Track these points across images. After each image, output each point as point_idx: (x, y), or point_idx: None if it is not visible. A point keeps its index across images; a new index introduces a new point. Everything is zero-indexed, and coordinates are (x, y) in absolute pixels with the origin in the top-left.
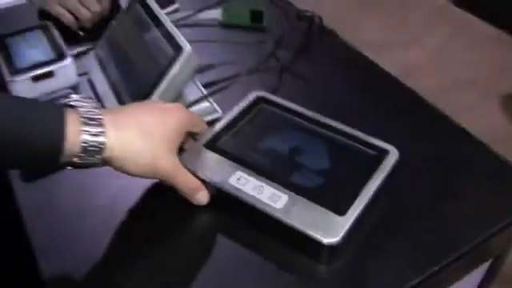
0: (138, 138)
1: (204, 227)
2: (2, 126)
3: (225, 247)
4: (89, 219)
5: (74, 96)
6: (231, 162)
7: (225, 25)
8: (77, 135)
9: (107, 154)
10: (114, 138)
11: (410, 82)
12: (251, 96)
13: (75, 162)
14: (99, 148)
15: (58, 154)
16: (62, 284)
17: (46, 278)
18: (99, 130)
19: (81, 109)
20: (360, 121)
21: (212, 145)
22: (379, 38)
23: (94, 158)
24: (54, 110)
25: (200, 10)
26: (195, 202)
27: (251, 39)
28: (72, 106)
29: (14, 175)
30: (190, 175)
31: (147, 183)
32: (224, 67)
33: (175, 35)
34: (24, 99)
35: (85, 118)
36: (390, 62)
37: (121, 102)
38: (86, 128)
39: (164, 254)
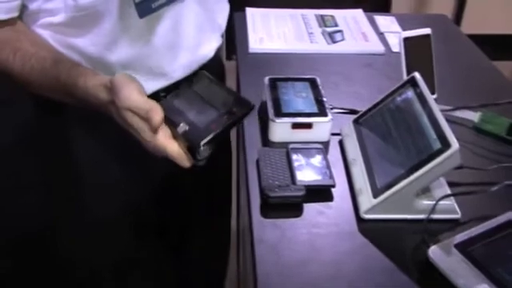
0: None
1: None
2: None
3: None
4: (314, 268)
5: None
6: (479, 273)
7: (478, 129)
8: None
9: None
10: None
11: None
12: (508, 215)
13: None
14: None
15: None
16: None
17: None
18: None
19: None
20: None
21: (463, 248)
22: None
23: None
24: None
25: (458, 108)
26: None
27: (503, 150)
28: None
29: (254, 210)
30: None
31: None
32: (471, 171)
33: (444, 128)
34: None
35: None
36: None
37: (370, 174)
38: None
39: None
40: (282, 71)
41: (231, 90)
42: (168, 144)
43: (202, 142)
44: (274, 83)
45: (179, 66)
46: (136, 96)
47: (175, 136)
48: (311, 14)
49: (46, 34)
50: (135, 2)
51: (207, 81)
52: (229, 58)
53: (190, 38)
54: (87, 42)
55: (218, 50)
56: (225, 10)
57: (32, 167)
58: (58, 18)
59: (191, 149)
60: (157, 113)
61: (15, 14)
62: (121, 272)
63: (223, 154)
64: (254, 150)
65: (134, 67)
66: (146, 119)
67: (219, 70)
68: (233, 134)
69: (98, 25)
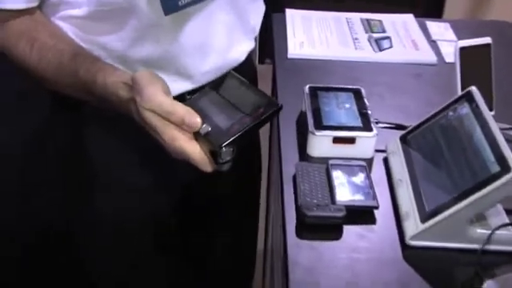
0: None
1: None
2: None
3: None
4: None
5: None
6: None
7: None
8: None
9: None
10: None
11: None
12: None
13: None
14: None
15: None
16: None
17: None
18: None
19: None
20: None
21: None
22: None
23: None
24: None
25: None
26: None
27: None
28: None
29: (290, 229)
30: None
31: None
32: None
33: (503, 149)
34: None
35: None
36: None
37: (418, 196)
38: None
39: None
40: (323, 79)
41: (259, 90)
42: (189, 146)
43: (224, 144)
44: (314, 92)
45: (207, 69)
46: (161, 97)
47: (197, 138)
48: (356, 17)
49: (66, 27)
50: None
51: (235, 81)
52: (261, 61)
53: (219, 40)
54: (111, 38)
55: (250, 54)
56: (259, 10)
57: (46, 164)
58: (80, 12)
59: (213, 151)
60: (192, 115)
61: (35, 4)
62: (138, 280)
63: (251, 160)
64: (291, 164)
65: (160, 66)
66: (169, 120)
67: (251, 76)
68: (264, 142)
69: (122, 21)
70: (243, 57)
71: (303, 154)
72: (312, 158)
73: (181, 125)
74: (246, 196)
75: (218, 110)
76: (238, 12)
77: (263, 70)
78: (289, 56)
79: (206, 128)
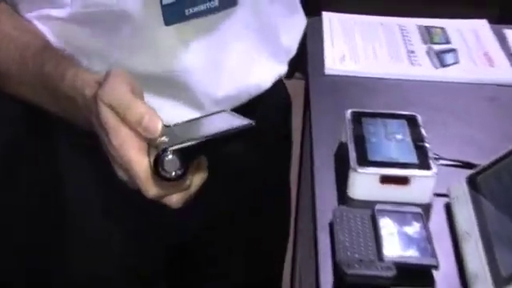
0: None
1: None
2: None
3: None
4: None
5: None
6: None
7: None
8: None
9: None
10: None
11: None
12: None
13: None
14: None
15: None
16: None
17: None
18: None
19: None
20: None
21: None
22: None
23: None
24: None
25: None
26: None
27: None
28: None
29: None
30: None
31: None
32: None
33: None
34: None
35: None
36: None
37: (491, 255)
38: None
39: None
40: (368, 103)
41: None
42: (137, 158)
43: (171, 148)
44: (358, 119)
45: (220, 97)
46: (123, 90)
47: (149, 154)
48: (412, 24)
49: (44, 29)
50: (162, 4)
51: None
52: (290, 75)
53: (234, 61)
54: (98, 46)
55: (281, 81)
56: (296, 27)
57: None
58: (63, 12)
59: (156, 160)
60: (153, 117)
61: None
62: None
63: (277, 203)
64: (327, 208)
65: (161, 90)
66: (125, 119)
67: (282, 107)
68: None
69: (112, 27)
70: (267, 84)
71: (343, 197)
72: (354, 201)
73: (137, 126)
74: (269, 251)
75: (185, 128)
76: (263, 28)
77: (292, 87)
78: (326, 72)
79: (164, 141)
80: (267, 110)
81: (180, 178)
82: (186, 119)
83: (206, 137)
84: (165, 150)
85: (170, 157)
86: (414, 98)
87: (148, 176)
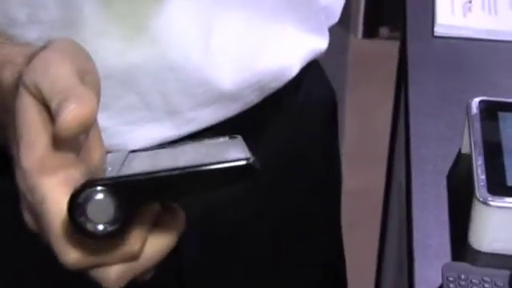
0: None
1: None
2: None
3: None
4: None
5: None
6: None
7: None
8: None
9: None
10: None
11: None
12: None
13: None
14: None
15: None
16: None
17: None
18: None
19: None
20: None
21: None
22: None
23: None
24: None
25: None
26: None
27: None
28: None
29: None
30: None
31: None
32: None
33: None
34: None
35: None
36: None
37: None
38: None
39: None
40: (510, 85)
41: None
42: (55, 193)
43: (103, 182)
44: (491, 113)
45: (203, 100)
46: (64, 72)
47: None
48: None
49: None
50: None
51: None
52: (369, 34)
53: (236, 36)
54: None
55: (317, 65)
56: None
57: None
58: None
59: (72, 198)
60: (88, 100)
61: None
62: None
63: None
64: (434, 264)
65: (120, 92)
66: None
67: (323, 109)
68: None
69: None
70: (294, 70)
71: (460, 245)
72: (479, 253)
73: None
74: None
75: (148, 157)
76: None
77: (373, 52)
78: (436, 32)
79: (103, 170)
80: (300, 113)
81: (112, 235)
82: (161, 145)
83: (165, 171)
84: (90, 185)
85: (99, 196)
86: None
87: (66, 228)
